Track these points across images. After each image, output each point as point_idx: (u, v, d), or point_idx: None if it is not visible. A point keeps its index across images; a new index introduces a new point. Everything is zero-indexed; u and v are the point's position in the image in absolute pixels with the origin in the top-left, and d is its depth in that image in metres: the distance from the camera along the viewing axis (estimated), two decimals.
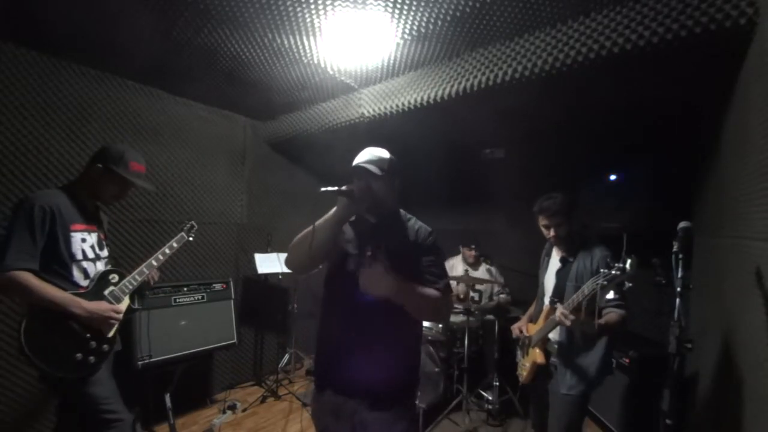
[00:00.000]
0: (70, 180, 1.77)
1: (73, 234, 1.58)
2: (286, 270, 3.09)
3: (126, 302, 1.74)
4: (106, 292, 1.66)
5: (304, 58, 2.33)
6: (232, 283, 3.10)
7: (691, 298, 2.28)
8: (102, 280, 1.67)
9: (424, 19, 1.89)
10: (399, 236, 1.40)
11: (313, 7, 1.82)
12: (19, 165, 2.26)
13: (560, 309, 1.68)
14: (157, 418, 2.63)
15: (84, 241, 1.63)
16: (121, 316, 1.66)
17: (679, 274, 1.24)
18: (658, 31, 1.57)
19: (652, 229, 2.12)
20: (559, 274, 1.91)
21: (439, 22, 1.92)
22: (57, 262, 1.54)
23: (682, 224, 1.30)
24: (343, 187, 1.30)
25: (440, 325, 2.99)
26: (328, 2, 1.79)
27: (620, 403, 2.49)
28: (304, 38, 2.10)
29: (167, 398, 2.55)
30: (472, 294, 3.07)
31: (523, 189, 2.78)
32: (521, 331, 2.07)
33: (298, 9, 1.84)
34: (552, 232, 1.86)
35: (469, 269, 3.28)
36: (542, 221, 1.88)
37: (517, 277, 3.46)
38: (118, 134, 2.67)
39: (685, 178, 2.58)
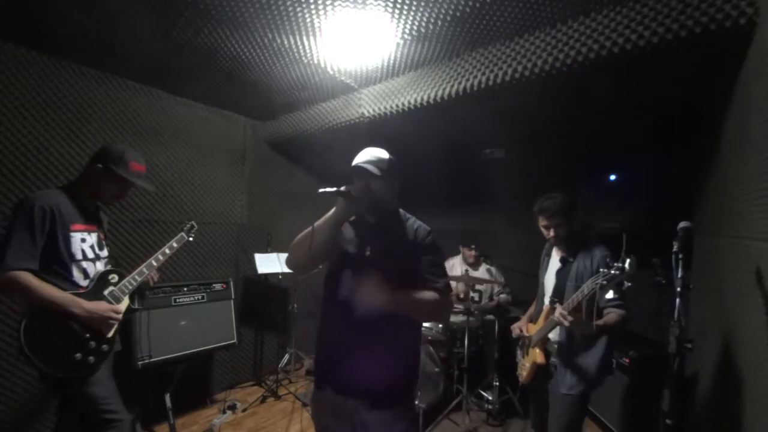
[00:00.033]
0: (70, 180, 1.77)
1: (72, 234, 1.58)
2: (286, 270, 3.11)
3: (126, 302, 1.74)
4: (105, 292, 1.66)
5: (304, 58, 2.33)
6: (232, 283, 3.10)
7: (691, 298, 2.28)
8: (102, 280, 1.67)
9: (424, 19, 1.89)
10: (398, 236, 1.41)
11: (313, 7, 1.82)
12: (19, 165, 2.26)
13: (559, 309, 1.68)
14: (157, 418, 2.63)
15: (84, 241, 1.63)
16: (120, 316, 1.66)
17: (679, 274, 1.24)
18: (658, 31, 1.57)
19: (652, 229, 2.12)
20: (559, 274, 1.91)
21: (439, 22, 1.92)
22: (57, 262, 1.54)
23: (682, 224, 1.30)
24: (342, 188, 1.31)
25: (440, 325, 2.99)
26: (328, 2, 1.79)
27: (620, 403, 2.49)
28: (304, 38, 2.10)
29: (167, 398, 2.56)
30: (472, 294, 3.07)
31: (523, 189, 2.78)
32: (521, 331, 2.07)
33: (298, 9, 1.84)
34: (552, 233, 1.86)
35: (469, 269, 3.28)
36: (542, 221, 1.88)
37: (517, 277, 3.45)
38: (118, 134, 2.67)
39: (685, 178, 2.58)
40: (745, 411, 1.42)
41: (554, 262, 1.98)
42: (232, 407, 2.98)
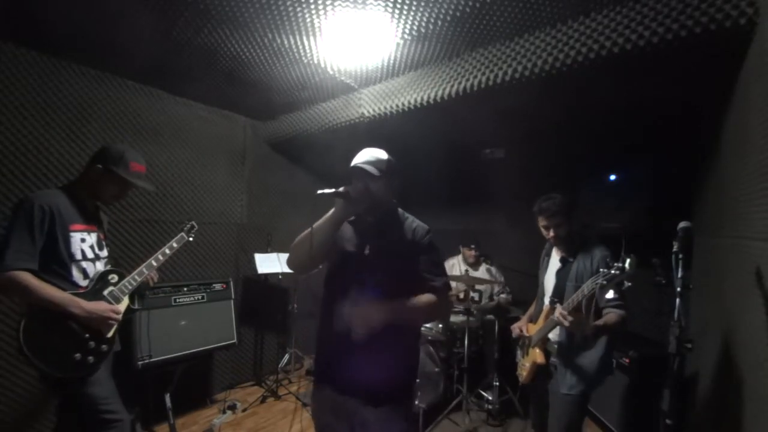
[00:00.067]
0: (70, 180, 1.77)
1: (72, 234, 1.58)
2: (286, 270, 3.11)
3: (125, 302, 1.74)
4: (105, 293, 1.66)
5: (304, 58, 2.33)
6: (232, 283, 3.10)
7: (691, 298, 2.28)
8: (101, 280, 1.67)
9: (424, 19, 1.89)
10: (397, 235, 1.41)
11: (313, 7, 1.82)
12: (19, 165, 2.26)
13: (558, 309, 1.68)
14: (157, 418, 2.63)
15: (83, 241, 1.63)
16: (120, 316, 1.66)
17: (679, 274, 1.24)
18: (658, 31, 1.57)
19: (652, 229, 2.12)
20: (559, 274, 1.91)
21: (439, 22, 1.92)
22: (56, 262, 1.53)
23: (682, 224, 1.30)
24: (340, 189, 1.31)
25: (440, 325, 2.99)
26: (328, 2, 1.79)
27: (620, 403, 2.49)
28: (304, 38, 2.10)
29: (167, 398, 2.56)
30: (472, 294, 3.07)
31: (523, 189, 2.78)
32: (521, 331, 2.06)
33: (298, 9, 1.84)
34: (551, 233, 1.86)
35: (469, 269, 3.29)
36: (542, 222, 1.88)
37: (517, 277, 3.46)
38: (118, 134, 2.67)
39: (685, 178, 2.58)
40: (745, 411, 1.42)
41: (554, 262, 1.97)
42: (232, 407, 2.98)
